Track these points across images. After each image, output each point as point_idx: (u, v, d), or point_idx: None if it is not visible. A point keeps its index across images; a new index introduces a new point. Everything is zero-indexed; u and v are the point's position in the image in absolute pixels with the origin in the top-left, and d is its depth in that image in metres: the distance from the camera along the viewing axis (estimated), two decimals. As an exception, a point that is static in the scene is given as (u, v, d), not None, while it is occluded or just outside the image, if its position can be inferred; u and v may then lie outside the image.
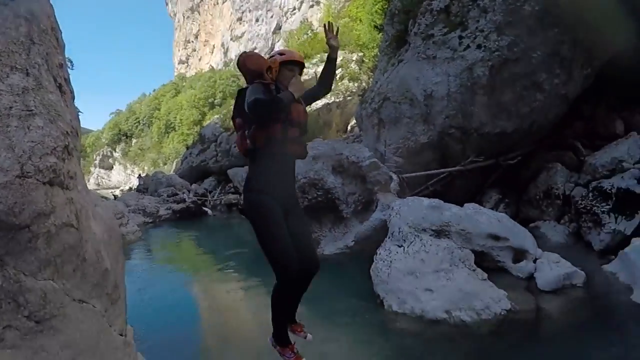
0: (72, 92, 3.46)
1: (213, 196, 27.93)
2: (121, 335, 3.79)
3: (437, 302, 8.86)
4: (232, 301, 10.23)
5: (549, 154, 11.30)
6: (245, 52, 2.95)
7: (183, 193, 25.61)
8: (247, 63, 2.80)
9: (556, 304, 8.37)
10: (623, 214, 8.96)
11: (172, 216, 21.99)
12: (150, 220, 20.80)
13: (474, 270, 9.43)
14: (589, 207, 9.45)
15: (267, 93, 2.64)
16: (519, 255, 9.72)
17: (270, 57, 2.89)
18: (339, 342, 7.57)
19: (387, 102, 13.58)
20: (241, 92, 2.68)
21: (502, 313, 8.44)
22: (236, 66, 2.88)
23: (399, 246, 10.39)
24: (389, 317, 8.59)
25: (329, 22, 2.84)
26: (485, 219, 10.03)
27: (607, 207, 9.04)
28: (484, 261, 9.89)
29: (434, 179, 11.87)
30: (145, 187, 28.39)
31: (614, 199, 8.96)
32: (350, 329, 8.17)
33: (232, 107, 3.03)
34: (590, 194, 9.51)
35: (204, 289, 11.81)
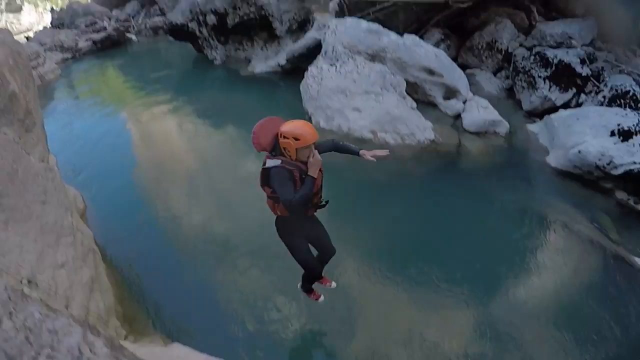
0: None
1: (137, 21, 26.10)
2: (42, 162, 3.85)
3: (365, 121, 8.56)
4: (163, 123, 9.48)
5: (501, 9, 10.55)
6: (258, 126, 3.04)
7: (103, 21, 23.58)
8: (261, 142, 2.99)
9: (477, 145, 8.32)
10: (558, 85, 8.99)
11: (93, 48, 20.77)
12: (70, 56, 19.67)
13: (404, 97, 9.01)
14: (527, 69, 9.37)
15: (292, 182, 2.88)
16: (450, 93, 9.40)
17: (284, 136, 2.87)
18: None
19: None
20: (266, 170, 2.96)
21: (426, 142, 8.41)
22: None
23: (331, 65, 9.54)
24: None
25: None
26: (423, 52, 9.27)
27: (545, 74, 9.05)
28: (415, 93, 9.47)
29: (378, 6, 10.09)
30: (61, 21, 25.87)
31: (553, 68, 8.96)
32: None
33: None
34: (532, 57, 9.37)
35: (133, 115, 10.59)
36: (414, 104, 8.87)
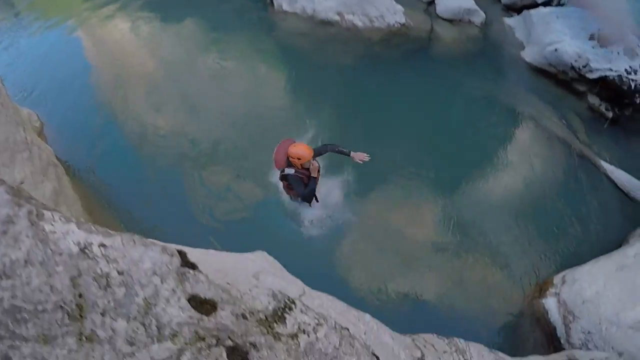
0: None
1: None
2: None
3: (330, 3, 7.49)
4: (114, 25, 8.30)
5: None
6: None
7: None
8: (280, 163, 4.27)
9: (450, 33, 7.50)
10: (543, -18, 8.12)
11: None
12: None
13: (375, -24, 7.46)
14: (510, -41, 8.05)
15: (302, 183, 4.21)
16: (426, -23, 8.02)
17: (291, 157, 4.11)
18: (228, 44, 7.14)
19: None
20: (285, 176, 4.28)
21: (396, 25, 7.45)
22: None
23: None
24: (278, 16, 7.71)
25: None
26: None
27: (528, -33, 8.49)
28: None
29: None
30: None
31: (536, -39, 8.51)
32: (238, 29, 7.52)
33: None
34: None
35: (80, 22, 8.83)
36: (384, -14, 7.61)
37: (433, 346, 2.51)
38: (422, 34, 7.37)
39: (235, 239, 4.29)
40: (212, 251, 2.58)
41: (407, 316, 3.89)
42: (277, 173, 4.43)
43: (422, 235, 4.43)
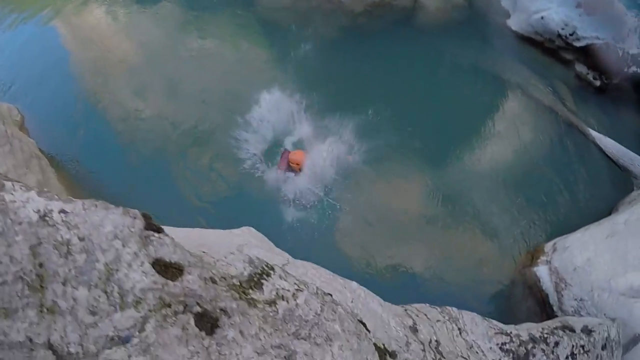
0: None
1: None
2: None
3: None
4: (90, 13, 7.87)
5: None
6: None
7: None
8: (283, 167, 4.91)
9: (435, 2, 7.36)
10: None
11: None
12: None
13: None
14: None
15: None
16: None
17: (290, 160, 4.86)
18: (207, 22, 6.80)
19: None
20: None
21: None
22: None
23: None
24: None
25: None
26: None
27: None
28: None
29: None
30: None
31: None
32: (217, 5, 7.02)
33: None
34: None
35: (56, 12, 8.31)
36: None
37: (426, 315, 2.36)
38: (406, 4, 7.08)
39: (224, 218, 4.23)
40: (197, 229, 2.48)
41: (398, 288, 3.79)
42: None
43: (410, 207, 4.34)
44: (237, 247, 2.19)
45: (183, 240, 2.01)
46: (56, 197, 1.44)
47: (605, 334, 2.87)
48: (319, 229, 4.29)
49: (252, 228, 2.73)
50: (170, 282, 1.35)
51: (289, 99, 5.37)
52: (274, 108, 5.18)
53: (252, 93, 5.47)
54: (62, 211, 1.39)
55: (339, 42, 6.38)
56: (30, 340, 1.24)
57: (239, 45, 6.48)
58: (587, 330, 2.80)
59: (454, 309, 2.63)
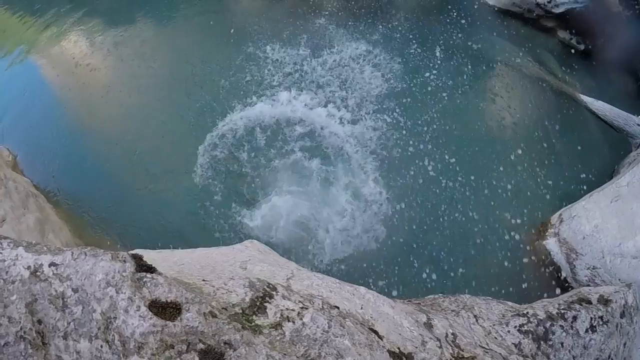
0: None
1: None
2: None
3: None
4: (69, 43, 7.73)
5: None
6: None
7: None
8: None
9: None
10: None
11: None
12: None
13: None
14: None
15: None
16: None
17: None
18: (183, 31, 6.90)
19: None
20: None
21: None
22: None
23: None
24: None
25: None
26: None
27: None
28: None
29: None
30: None
31: None
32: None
33: None
34: None
35: (31, 46, 8.13)
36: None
37: (440, 306, 2.31)
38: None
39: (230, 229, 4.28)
40: (199, 249, 2.43)
41: (407, 283, 3.72)
42: None
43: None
44: (240, 264, 2.16)
45: (186, 263, 1.98)
46: (45, 248, 1.45)
47: (623, 302, 2.83)
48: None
49: (255, 241, 2.69)
50: (169, 322, 1.32)
51: (266, 92, 5.31)
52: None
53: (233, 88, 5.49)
54: (52, 264, 1.39)
55: (312, 26, 6.39)
56: (40, 397, 1.22)
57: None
58: (604, 301, 2.76)
59: (467, 295, 2.58)
